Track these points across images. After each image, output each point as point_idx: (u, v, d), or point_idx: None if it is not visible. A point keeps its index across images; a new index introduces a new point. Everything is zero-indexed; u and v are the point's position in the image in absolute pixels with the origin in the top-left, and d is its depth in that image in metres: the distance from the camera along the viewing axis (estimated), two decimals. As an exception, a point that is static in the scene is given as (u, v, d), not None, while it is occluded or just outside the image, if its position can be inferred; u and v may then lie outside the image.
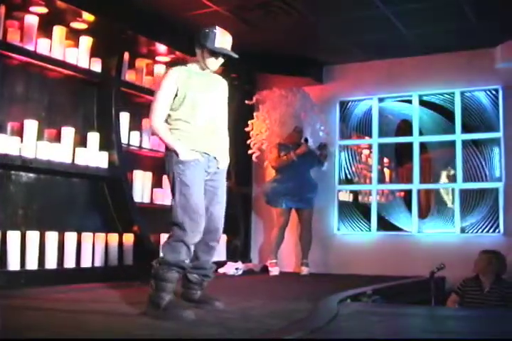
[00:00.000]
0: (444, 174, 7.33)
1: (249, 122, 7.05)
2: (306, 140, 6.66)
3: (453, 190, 6.97)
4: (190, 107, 3.48)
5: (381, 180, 7.48)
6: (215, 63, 3.57)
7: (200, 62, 3.57)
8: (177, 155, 3.41)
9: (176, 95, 3.48)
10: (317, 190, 6.78)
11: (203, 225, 3.42)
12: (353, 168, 7.48)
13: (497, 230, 6.52)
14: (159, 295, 3.25)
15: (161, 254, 3.42)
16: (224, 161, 3.63)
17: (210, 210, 3.54)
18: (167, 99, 3.49)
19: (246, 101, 7.10)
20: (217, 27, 3.53)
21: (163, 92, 3.50)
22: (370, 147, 7.52)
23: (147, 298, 3.31)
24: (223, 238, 6.79)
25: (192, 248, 3.39)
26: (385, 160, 7.80)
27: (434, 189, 7.35)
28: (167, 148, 3.51)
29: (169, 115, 3.51)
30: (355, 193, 7.76)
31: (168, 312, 3.17)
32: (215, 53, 3.50)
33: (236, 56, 3.54)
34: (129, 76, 6.09)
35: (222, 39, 3.51)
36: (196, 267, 3.59)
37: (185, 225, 3.32)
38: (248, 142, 7.01)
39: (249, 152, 7.01)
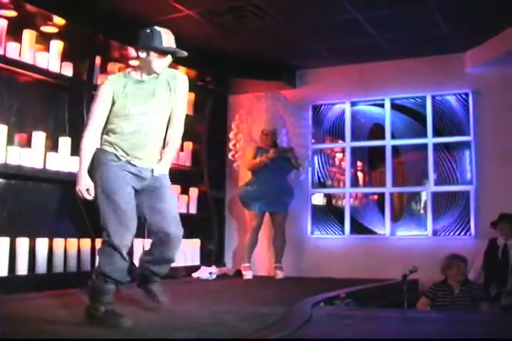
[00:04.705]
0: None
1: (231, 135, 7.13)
2: (285, 149, 6.71)
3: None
4: (118, 116, 3.30)
5: (354, 183, 7.52)
6: (163, 64, 3.32)
7: (144, 67, 3.34)
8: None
9: (113, 104, 3.29)
10: (293, 193, 6.81)
11: (134, 230, 3.33)
12: (327, 172, 7.52)
13: (468, 233, 6.59)
14: (94, 307, 3.19)
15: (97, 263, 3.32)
16: (158, 169, 3.39)
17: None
18: (102, 111, 3.30)
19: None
20: (156, 26, 3.31)
21: (97, 103, 3.31)
22: (343, 150, 7.56)
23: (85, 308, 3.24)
24: (197, 242, 6.79)
25: (124, 253, 3.26)
26: (359, 163, 7.84)
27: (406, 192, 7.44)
28: (92, 162, 3.37)
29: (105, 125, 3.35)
30: (329, 197, 7.79)
31: (104, 321, 3.11)
32: (163, 53, 3.28)
33: (185, 53, 3.31)
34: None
35: (168, 37, 3.28)
36: (149, 261, 3.47)
37: (113, 231, 3.24)
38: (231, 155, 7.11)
39: (234, 165, 7.10)
